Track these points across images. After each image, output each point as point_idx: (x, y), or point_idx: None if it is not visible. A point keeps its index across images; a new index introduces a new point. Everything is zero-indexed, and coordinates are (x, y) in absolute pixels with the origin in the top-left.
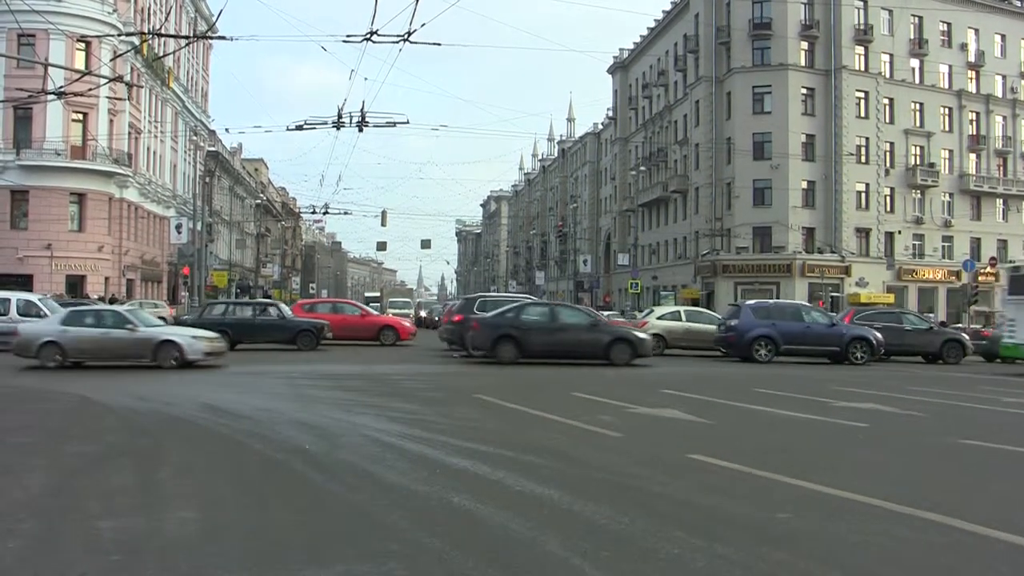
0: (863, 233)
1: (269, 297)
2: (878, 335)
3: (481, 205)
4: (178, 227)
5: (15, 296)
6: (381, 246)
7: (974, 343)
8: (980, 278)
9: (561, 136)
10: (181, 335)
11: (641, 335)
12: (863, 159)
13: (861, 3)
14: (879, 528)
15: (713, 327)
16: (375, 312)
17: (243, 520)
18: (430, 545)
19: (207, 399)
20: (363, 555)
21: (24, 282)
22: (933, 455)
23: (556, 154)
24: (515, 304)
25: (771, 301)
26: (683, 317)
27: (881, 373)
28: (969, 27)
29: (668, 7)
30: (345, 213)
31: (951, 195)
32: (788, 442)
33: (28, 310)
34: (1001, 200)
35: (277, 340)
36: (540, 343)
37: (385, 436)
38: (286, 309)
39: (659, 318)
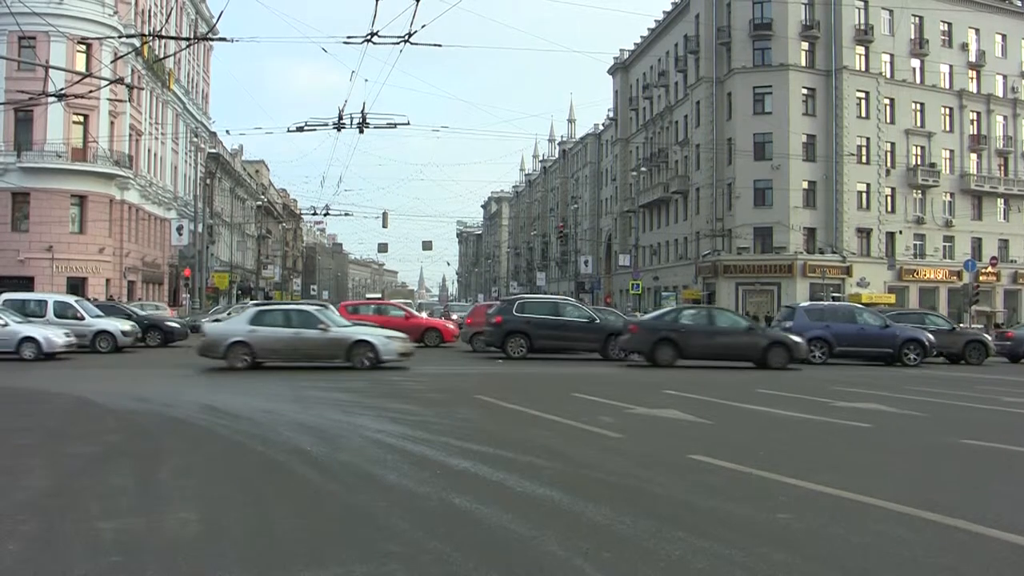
0: (864, 233)
1: (270, 299)
2: (930, 336)
3: (482, 206)
4: (179, 229)
5: (52, 298)
6: (382, 247)
7: (997, 344)
8: (981, 278)
9: (562, 137)
10: (375, 335)
11: (797, 339)
12: (864, 159)
13: (862, 3)
14: (880, 528)
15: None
16: (419, 314)
17: (243, 521)
18: (431, 546)
19: (207, 400)
20: (363, 556)
21: (25, 284)
22: (934, 455)
23: (557, 155)
24: (672, 308)
25: (824, 303)
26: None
27: (910, 373)
28: (970, 27)
29: (668, 8)
30: (346, 214)
31: (952, 195)
32: (789, 442)
33: (64, 311)
34: (1002, 200)
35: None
36: (698, 346)
37: (386, 437)
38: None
39: None
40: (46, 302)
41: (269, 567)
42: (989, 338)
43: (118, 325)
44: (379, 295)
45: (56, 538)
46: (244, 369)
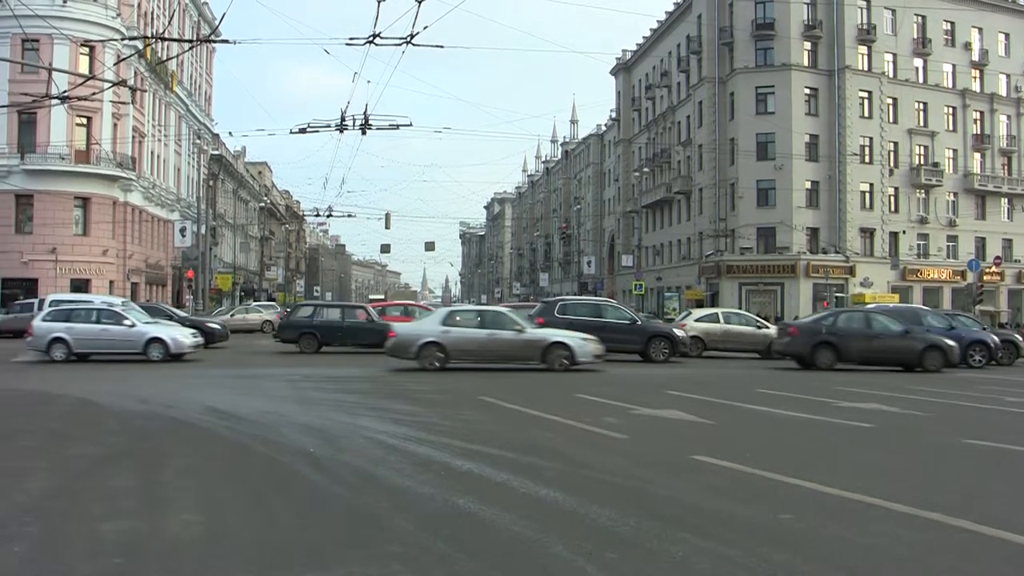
0: (867, 233)
1: (273, 300)
2: (995, 338)
3: (485, 207)
4: (182, 230)
5: (98, 299)
6: (385, 249)
7: None
8: (985, 278)
9: (564, 138)
10: (571, 337)
11: (951, 343)
12: (867, 159)
13: (864, 3)
14: (882, 528)
15: (751, 328)
16: None
17: (246, 522)
18: (434, 547)
19: (209, 402)
20: (367, 557)
21: (29, 286)
22: (936, 455)
23: (559, 156)
24: (829, 311)
25: (891, 304)
26: (721, 319)
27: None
28: (972, 26)
29: (671, 8)
30: (349, 216)
31: (955, 194)
32: (791, 443)
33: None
34: (1006, 199)
35: (366, 344)
36: (856, 349)
37: (389, 438)
38: (374, 312)
39: (697, 320)
40: (94, 307)
41: (272, 568)
42: (1021, 339)
43: (173, 332)
44: (382, 296)
45: (58, 540)
46: (436, 370)
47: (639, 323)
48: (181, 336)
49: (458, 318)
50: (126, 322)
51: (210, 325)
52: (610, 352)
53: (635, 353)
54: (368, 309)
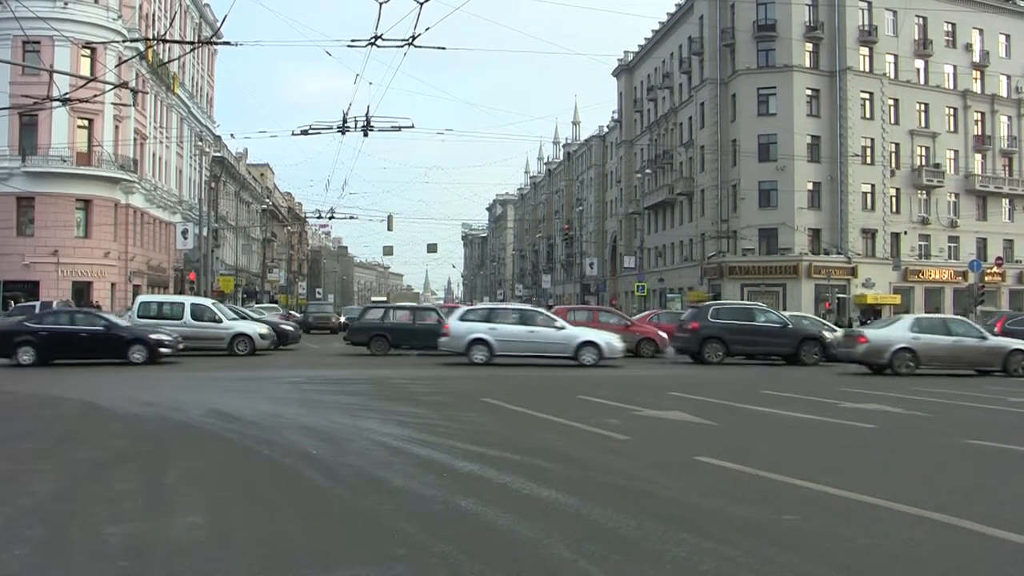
0: (869, 234)
1: (275, 302)
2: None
3: (487, 209)
4: (184, 233)
5: (188, 300)
6: (387, 250)
7: None
8: (986, 278)
9: (566, 139)
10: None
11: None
12: (868, 160)
13: (865, 4)
14: (886, 529)
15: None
16: None
17: (250, 525)
18: (437, 549)
19: (213, 404)
20: (370, 560)
21: (30, 289)
22: (940, 456)
23: (561, 157)
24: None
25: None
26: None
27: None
28: (974, 27)
29: (672, 9)
30: (351, 218)
31: (957, 195)
32: (794, 443)
33: (201, 314)
34: (1007, 200)
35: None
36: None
37: (392, 440)
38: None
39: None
40: (183, 305)
41: (276, 570)
42: None
43: (256, 328)
44: (384, 298)
45: (63, 543)
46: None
47: (791, 327)
48: (261, 328)
49: (924, 324)
50: (214, 317)
51: (283, 327)
52: (759, 356)
53: (784, 357)
54: (438, 311)
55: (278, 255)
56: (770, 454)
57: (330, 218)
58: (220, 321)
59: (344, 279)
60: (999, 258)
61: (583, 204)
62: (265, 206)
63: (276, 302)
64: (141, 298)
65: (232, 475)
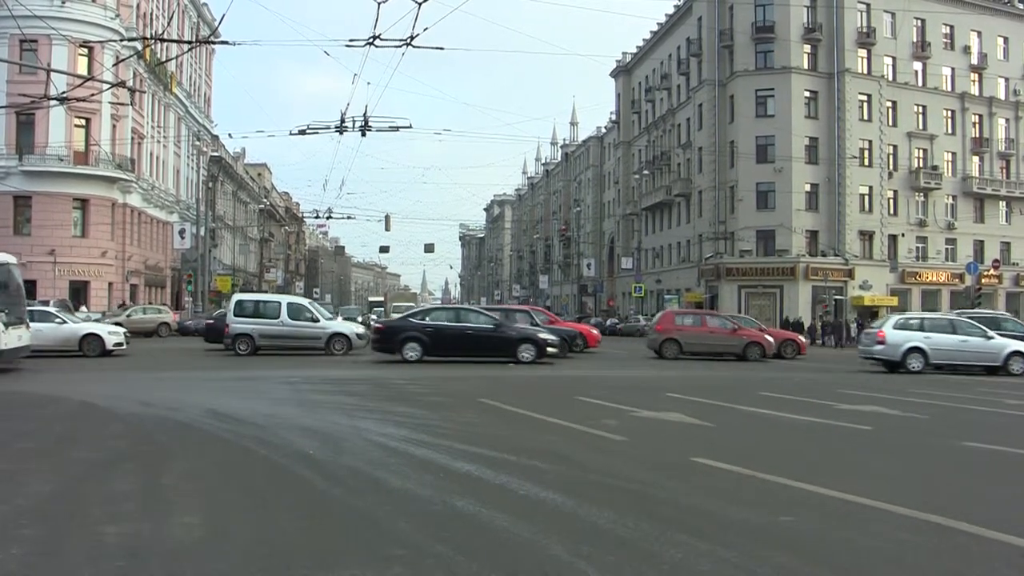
0: (866, 236)
1: None
2: None
3: (485, 209)
4: (181, 232)
5: (285, 300)
6: (384, 250)
7: None
8: (983, 281)
9: (564, 140)
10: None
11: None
12: (866, 162)
13: (863, 6)
14: (882, 531)
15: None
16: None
17: (248, 526)
18: (434, 550)
19: (211, 405)
20: (367, 560)
21: (28, 288)
22: (936, 458)
23: (559, 158)
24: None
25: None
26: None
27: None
28: (972, 29)
29: (671, 11)
30: (348, 218)
31: (954, 197)
32: (791, 445)
33: (299, 313)
34: (1004, 202)
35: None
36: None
37: (389, 441)
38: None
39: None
40: (280, 304)
41: (273, 571)
42: None
43: (353, 328)
44: (382, 298)
45: (60, 543)
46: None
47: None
48: (358, 329)
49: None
50: (312, 317)
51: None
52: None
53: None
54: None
55: (275, 255)
56: (767, 455)
57: (328, 218)
58: (317, 320)
59: (341, 279)
60: (996, 260)
61: (581, 205)
62: (263, 206)
63: None
64: (237, 296)
65: (230, 475)
